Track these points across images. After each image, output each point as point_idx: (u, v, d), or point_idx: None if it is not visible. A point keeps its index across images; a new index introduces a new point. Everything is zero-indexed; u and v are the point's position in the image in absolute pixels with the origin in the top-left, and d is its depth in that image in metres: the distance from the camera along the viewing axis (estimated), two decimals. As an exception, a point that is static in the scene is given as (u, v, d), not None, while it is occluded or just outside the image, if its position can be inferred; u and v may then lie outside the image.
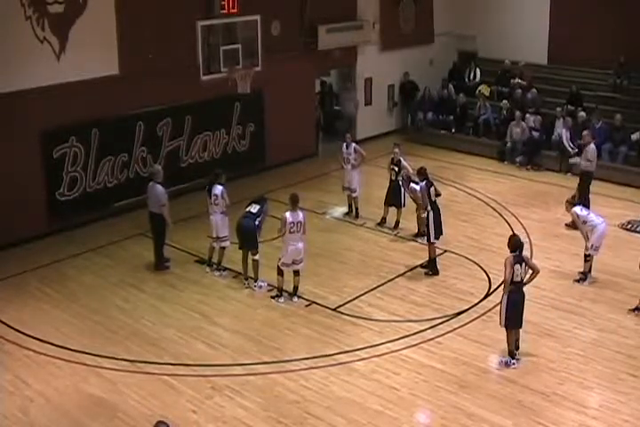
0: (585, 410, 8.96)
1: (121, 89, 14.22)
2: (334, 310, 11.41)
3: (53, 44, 13.47)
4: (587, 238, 11.93)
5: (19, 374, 9.74)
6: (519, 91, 19.41)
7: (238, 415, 8.91)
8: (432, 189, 12.55)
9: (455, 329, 10.80)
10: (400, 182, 13.94)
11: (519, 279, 9.65)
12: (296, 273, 11.63)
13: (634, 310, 11.20)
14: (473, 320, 11.05)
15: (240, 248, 12.16)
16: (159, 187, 12.48)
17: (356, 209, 15.05)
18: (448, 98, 20.40)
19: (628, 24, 18.65)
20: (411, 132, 20.69)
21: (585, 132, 15.33)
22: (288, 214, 11.29)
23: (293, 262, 11.51)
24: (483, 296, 11.75)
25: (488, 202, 15.91)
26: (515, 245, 9.71)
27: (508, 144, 18.44)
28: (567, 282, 12.16)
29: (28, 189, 13.52)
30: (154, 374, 9.77)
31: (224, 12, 15.36)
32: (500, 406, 9.05)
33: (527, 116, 18.53)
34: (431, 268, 12.57)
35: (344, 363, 9.98)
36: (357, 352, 10.22)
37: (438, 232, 12.55)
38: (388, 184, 14.33)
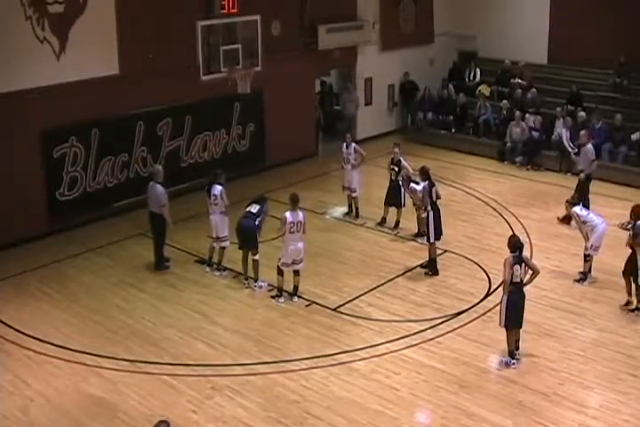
0: (585, 410, 8.96)
1: (121, 89, 14.22)
2: (334, 310, 11.41)
3: (53, 44, 13.47)
4: (587, 238, 11.93)
5: (19, 374, 9.75)
6: (519, 91, 19.42)
7: (238, 415, 8.91)
8: (434, 189, 12.55)
9: (455, 329, 10.80)
10: (400, 182, 13.93)
11: (519, 280, 9.64)
12: (296, 273, 11.63)
13: (633, 310, 11.20)
14: (473, 320, 11.05)
15: (240, 248, 12.16)
16: (159, 187, 12.48)
17: (356, 209, 15.05)
18: (448, 98, 20.40)
19: (628, 24, 18.65)
20: (411, 132, 20.69)
21: (582, 133, 15.34)
22: (288, 214, 11.30)
23: (293, 262, 11.51)
24: (483, 296, 11.76)
25: (488, 202, 15.92)
26: (514, 245, 9.70)
27: (508, 144, 18.45)
28: (567, 282, 12.17)
29: (27, 189, 13.52)
30: (154, 374, 9.78)
31: (224, 11, 15.37)
32: (500, 406, 9.05)
33: (527, 116, 18.53)
34: (431, 268, 12.57)
35: (344, 363, 9.99)
36: (357, 352, 10.23)
37: (438, 232, 12.56)
38: (388, 184, 14.34)
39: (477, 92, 20.15)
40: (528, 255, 10.68)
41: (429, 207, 12.45)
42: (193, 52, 14.68)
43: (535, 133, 18.29)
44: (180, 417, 8.76)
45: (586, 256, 12.08)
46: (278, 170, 17.61)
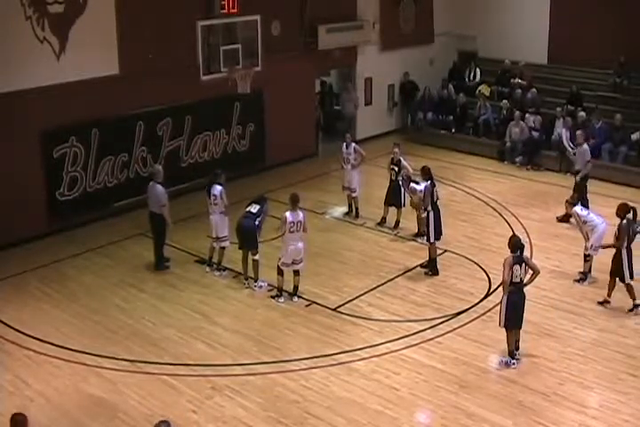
0: (585, 410, 8.96)
1: (121, 89, 14.22)
2: (334, 310, 11.41)
3: (53, 44, 13.47)
4: (587, 238, 11.93)
5: (19, 374, 9.74)
6: (519, 91, 19.42)
7: (238, 415, 8.91)
8: (435, 189, 12.55)
9: (455, 329, 10.80)
10: (400, 182, 13.93)
11: (518, 280, 9.64)
12: (296, 273, 11.63)
13: (631, 310, 11.21)
14: (473, 320, 11.05)
15: (240, 248, 12.16)
16: (159, 187, 12.48)
17: (356, 209, 15.05)
18: (448, 98, 20.40)
19: (628, 24, 18.65)
20: (411, 132, 20.70)
21: (578, 133, 15.35)
22: (288, 214, 11.30)
23: (293, 262, 11.51)
24: (483, 296, 11.76)
25: (488, 202, 15.92)
26: (515, 245, 9.69)
27: (508, 144, 18.44)
28: (567, 282, 12.16)
29: (27, 189, 13.52)
30: (154, 374, 9.78)
31: (224, 11, 15.36)
32: (500, 406, 9.05)
33: (527, 116, 18.53)
34: (431, 268, 12.57)
35: (344, 363, 9.99)
36: (357, 352, 10.23)
37: (438, 232, 12.56)
38: (388, 184, 14.34)
39: (477, 92, 20.15)
40: (528, 255, 10.67)
41: (430, 207, 12.45)
42: (193, 52, 14.67)
43: (535, 133, 18.29)
44: (180, 417, 8.76)
45: (586, 256, 12.08)
46: (278, 170, 17.61)
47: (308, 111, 18.69)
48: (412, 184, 13.33)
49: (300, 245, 11.48)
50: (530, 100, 19.05)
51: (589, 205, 13.64)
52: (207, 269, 12.68)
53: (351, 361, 10.02)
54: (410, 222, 14.21)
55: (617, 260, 11.21)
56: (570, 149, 17.33)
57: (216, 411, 9.00)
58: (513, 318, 9.72)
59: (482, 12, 21.24)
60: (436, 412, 9.01)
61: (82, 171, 14.33)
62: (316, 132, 19.37)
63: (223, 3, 15.34)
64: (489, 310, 11.21)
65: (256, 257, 12.03)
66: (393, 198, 14.25)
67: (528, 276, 9.77)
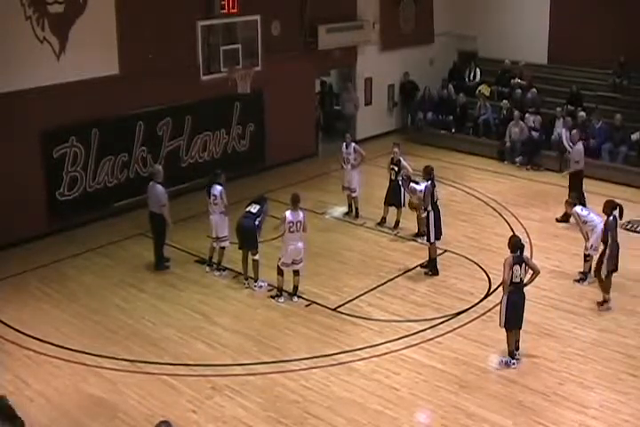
0: (585, 410, 8.96)
1: (121, 89, 14.22)
2: (334, 310, 11.41)
3: (53, 44, 13.47)
4: (587, 238, 11.93)
5: (19, 374, 9.74)
6: (519, 91, 19.42)
7: (238, 415, 8.91)
8: (435, 189, 12.55)
9: (455, 329, 10.80)
10: (400, 182, 13.93)
11: (518, 280, 9.64)
12: (296, 273, 11.63)
13: (601, 304, 11.31)
14: (473, 320, 11.05)
15: (240, 248, 12.16)
16: (159, 187, 12.48)
17: (356, 209, 15.05)
18: (448, 98, 20.40)
19: (628, 24, 18.65)
20: (411, 132, 20.70)
21: (574, 132, 15.37)
22: (288, 213, 11.30)
23: (293, 262, 11.51)
24: (483, 296, 11.76)
25: (488, 202, 15.92)
26: (515, 246, 9.69)
27: (507, 144, 18.45)
28: (567, 282, 12.16)
29: (28, 189, 13.52)
30: (154, 374, 9.78)
31: (224, 12, 15.36)
32: (500, 406, 9.05)
33: (527, 116, 18.53)
34: (431, 268, 12.57)
35: (344, 363, 9.99)
36: (357, 352, 10.23)
37: (438, 232, 12.56)
38: (387, 184, 14.34)
39: (477, 92, 20.15)
40: (528, 255, 10.67)
41: (430, 207, 12.45)
42: (193, 52, 14.68)
43: (535, 133, 18.29)
44: (180, 417, 8.76)
45: (586, 256, 12.08)
46: (278, 170, 17.61)
47: (308, 111, 18.69)
48: (412, 184, 13.33)
49: (300, 245, 11.48)
50: (530, 100, 19.05)
51: (586, 203, 13.64)
52: (207, 269, 12.68)
53: (351, 361, 10.02)
54: (410, 222, 14.21)
55: (601, 255, 11.29)
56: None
57: (216, 411, 9.00)
58: (513, 318, 9.72)
59: (482, 12, 21.24)
60: (436, 412, 9.01)
61: (82, 171, 14.33)
62: (316, 132, 19.37)
63: (223, 3, 15.34)
64: (489, 310, 11.21)
65: (256, 257, 12.03)
66: (393, 198, 14.25)
67: (528, 276, 9.77)
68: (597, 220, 11.93)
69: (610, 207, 11.31)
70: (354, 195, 14.95)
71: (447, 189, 16.08)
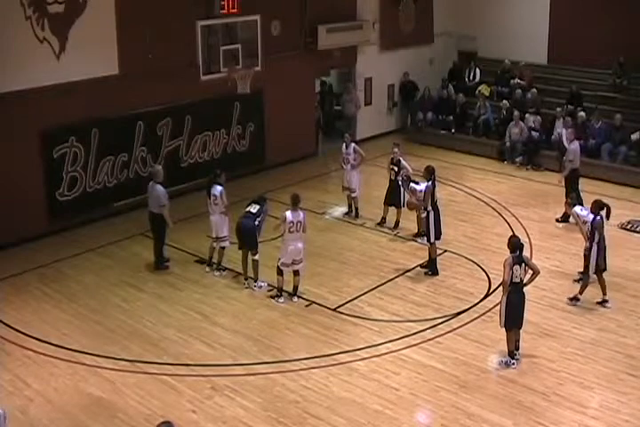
0: (585, 410, 8.96)
1: (121, 89, 14.21)
2: (334, 310, 11.41)
3: (53, 44, 13.47)
4: (586, 238, 11.90)
5: (18, 374, 9.74)
6: (519, 91, 19.41)
7: (238, 415, 8.91)
8: (435, 189, 12.55)
9: (455, 329, 10.80)
10: (400, 182, 13.93)
11: (518, 280, 9.63)
12: (296, 273, 11.63)
13: (571, 299, 11.39)
14: (473, 320, 11.05)
15: (240, 248, 12.16)
16: (159, 187, 12.47)
17: (356, 209, 15.05)
18: (448, 98, 20.40)
19: (628, 24, 18.64)
20: (411, 132, 20.70)
21: (568, 131, 15.37)
22: (289, 213, 11.29)
23: (293, 262, 11.51)
24: (483, 296, 11.75)
25: (488, 202, 15.91)
26: (514, 246, 9.69)
27: (507, 144, 18.44)
28: (567, 282, 12.16)
29: (27, 189, 13.52)
30: (154, 374, 9.77)
31: (224, 12, 15.36)
32: (500, 406, 9.05)
33: (527, 116, 18.53)
34: (431, 268, 12.57)
35: (344, 363, 9.98)
36: (357, 352, 10.23)
37: (438, 232, 12.56)
38: (387, 184, 14.34)
39: (477, 92, 20.14)
40: (528, 255, 10.67)
41: (429, 208, 12.44)
42: (193, 52, 14.68)
43: (535, 133, 18.29)
44: (180, 417, 8.75)
45: (586, 256, 12.05)
46: (278, 170, 17.61)
47: (308, 111, 18.69)
48: (412, 184, 13.33)
49: (300, 245, 11.48)
50: (530, 101, 19.04)
51: (583, 203, 13.63)
52: (207, 269, 12.68)
53: (351, 361, 10.02)
54: (410, 222, 14.21)
55: (587, 254, 11.34)
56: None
57: (216, 411, 9.00)
58: (513, 318, 9.72)
59: (482, 12, 21.24)
60: (436, 412, 9.01)
61: (82, 171, 14.33)
62: (316, 132, 19.36)
63: (223, 3, 15.33)
64: (489, 310, 11.21)
65: (256, 257, 12.03)
66: (393, 198, 14.25)
67: (528, 276, 9.76)
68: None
69: (597, 207, 11.34)
70: (354, 195, 14.94)
71: (447, 189, 16.08)
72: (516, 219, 14.85)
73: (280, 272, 11.57)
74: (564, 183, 14.83)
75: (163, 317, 11.22)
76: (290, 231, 11.31)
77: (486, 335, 10.56)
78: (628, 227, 14.43)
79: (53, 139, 13.78)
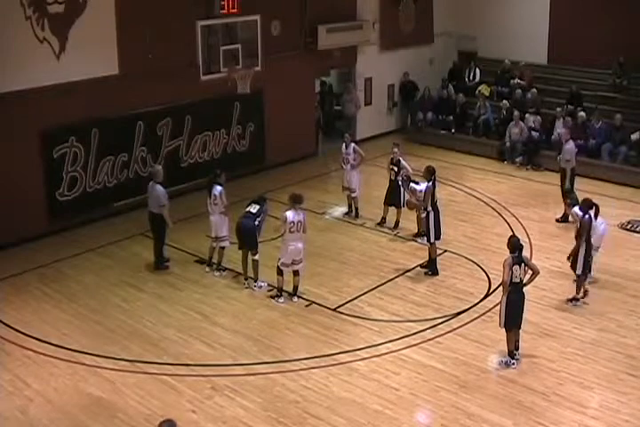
0: (585, 410, 8.96)
1: (121, 89, 14.21)
2: (334, 310, 11.41)
3: (53, 44, 13.47)
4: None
5: (18, 374, 9.74)
6: (519, 91, 19.41)
7: (238, 415, 8.91)
8: (436, 190, 12.55)
9: (455, 329, 10.80)
10: (400, 182, 13.93)
11: (518, 280, 9.63)
12: (296, 273, 11.62)
13: (570, 300, 11.42)
14: (473, 320, 11.05)
15: (240, 248, 12.16)
16: (159, 187, 12.47)
17: (356, 209, 15.05)
18: (448, 98, 20.40)
19: (628, 24, 18.64)
20: (411, 132, 20.70)
21: (564, 130, 15.38)
22: (289, 213, 11.28)
23: (293, 262, 11.50)
24: (483, 296, 11.75)
25: (488, 202, 15.91)
26: (514, 246, 9.69)
27: (507, 144, 18.44)
28: (567, 282, 12.14)
29: (27, 189, 13.52)
30: (154, 374, 9.77)
31: (224, 12, 15.36)
32: (500, 406, 9.05)
33: (527, 116, 18.54)
34: (431, 268, 12.57)
35: (344, 363, 9.98)
36: (357, 352, 10.23)
37: (438, 233, 12.56)
38: (387, 184, 14.34)
39: (477, 92, 20.15)
40: (528, 255, 10.67)
41: (429, 208, 12.44)
42: (193, 52, 14.68)
43: (535, 134, 18.29)
44: (180, 417, 8.72)
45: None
46: (278, 170, 17.62)
47: (307, 111, 18.69)
48: (412, 184, 13.33)
49: (300, 245, 11.47)
50: (530, 101, 19.04)
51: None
52: (207, 269, 12.68)
53: (351, 361, 10.02)
54: (410, 222, 14.21)
55: (576, 253, 11.35)
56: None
57: (216, 411, 9.00)
58: (513, 318, 9.72)
59: (482, 12, 21.24)
60: (436, 412, 9.01)
61: (82, 171, 14.33)
62: (315, 132, 19.37)
63: (223, 3, 15.33)
64: (489, 310, 11.21)
65: (256, 257, 12.03)
66: (393, 198, 14.25)
67: (527, 276, 9.76)
68: (596, 220, 11.91)
69: (586, 206, 11.35)
70: (354, 195, 14.94)
71: (447, 189, 16.08)
72: (516, 219, 14.85)
73: (280, 272, 11.57)
74: (560, 182, 14.85)
75: (163, 317, 11.22)
76: (290, 231, 11.30)
77: (486, 335, 10.56)
78: (628, 227, 14.43)
79: (53, 139, 13.78)
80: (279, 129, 17.55)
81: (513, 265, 9.54)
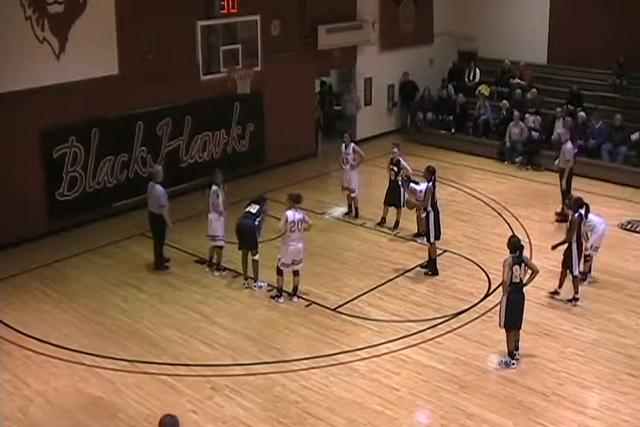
0: (585, 410, 8.97)
1: (121, 89, 14.21)
2: (334, 310, 11.41)
3: (53, 44, 13.47)
4: (586, 238, 11.92)
5: (18, 374, 9.74)
6: (519, 91, 19.41)
7: (238, 415, 8.92)
8: (436, 190, 12.55)
9: (455, 329, 10.80)
10: (400, 182, 13.93)
11: (518, 280, 9.64)
12: (296, 273, 11.62)
13: (569, 300, 11.48)
14: (473, 320, 11.05)
15: (240, 248, 12.16)
16: (159, 187, 12.47)
17: (356, 209, 15.05)
18: (448, 98, 20.40)
19: (627, 24, 18.64)
20: (411, 132, 20.70)
21: (563, 130, 15.37)
22: (290, 213, 11.28)
23: (293, 263, 11.50)
24: (482, 296, 11.76)
25: (488, 202, 15.91)
26: (514, 246, 9.69)
27: (507, 144, 18.45)
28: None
29: (27, 189, 13.52)
30: (153, 374, 9.77)
31: (224, 12, 15.37)
32: (500, 406, 9.05)
33: (527, 116, 18.54)
34: (431, 268, 12.57)
35: (344, 363, 9.98)
36: (357, 352, 10.23)
37: (438, 233, 12.56)
38: (387, 184, 14.34)
39: (477, 92, 20.15)
40: (528, 255, 10.67)
41: (429, 208, 12.44)
42: (193, 52, 14.68)
43: (535, 134, 18.29)
44: (180, 417, 8.68)
45: (586, 256, 12.07)
46: (278, 170, 17.62)
47: (307, 111, 18.69)
48: (412, 184, 13.33)
49: (300, 245, 11.47)
50: (530, 101, 19.05)
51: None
52: (207, 269, 12.69)
53: (351, 361, 10.02)
54: (410, 222, 14.21)
55: (568, 252, 11.41)
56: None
57: (216, 411, 9.00)
58: (512, 318, 9.72)
59: (482, 12, 21.24)
60: (436, 412, 9.01)
61: (81, 171, 14.33)
62: (315, 132, 19.37)
63: (223, 3, 15.34)
64: (489, 310, 11.21)
65: (256, 257, 12.03)
66: (392, 198, 14.25)
67: (527, 276, 9.76)
68: (596, 220, 11.94)
69: (576, 204, 11.38)
70: (353, 195, 14.94)
71: (447, 189, 16.08)
72: (516, 219, 14.85)
73: (280, 272, 11.57)
74: (558, 182, 14.85)
75: (163, 317, 11.22)
76: (291, 231, 11.30)
77: (486, 335, 10.56)
78: (628, 227, 14.44)
79: (53, 139, 13.79)
80: (279, 129, 17.55)
81: (513, 265, 9.54)
